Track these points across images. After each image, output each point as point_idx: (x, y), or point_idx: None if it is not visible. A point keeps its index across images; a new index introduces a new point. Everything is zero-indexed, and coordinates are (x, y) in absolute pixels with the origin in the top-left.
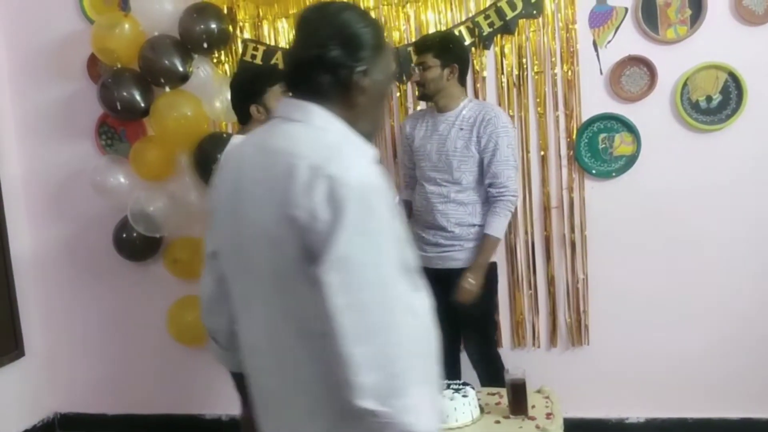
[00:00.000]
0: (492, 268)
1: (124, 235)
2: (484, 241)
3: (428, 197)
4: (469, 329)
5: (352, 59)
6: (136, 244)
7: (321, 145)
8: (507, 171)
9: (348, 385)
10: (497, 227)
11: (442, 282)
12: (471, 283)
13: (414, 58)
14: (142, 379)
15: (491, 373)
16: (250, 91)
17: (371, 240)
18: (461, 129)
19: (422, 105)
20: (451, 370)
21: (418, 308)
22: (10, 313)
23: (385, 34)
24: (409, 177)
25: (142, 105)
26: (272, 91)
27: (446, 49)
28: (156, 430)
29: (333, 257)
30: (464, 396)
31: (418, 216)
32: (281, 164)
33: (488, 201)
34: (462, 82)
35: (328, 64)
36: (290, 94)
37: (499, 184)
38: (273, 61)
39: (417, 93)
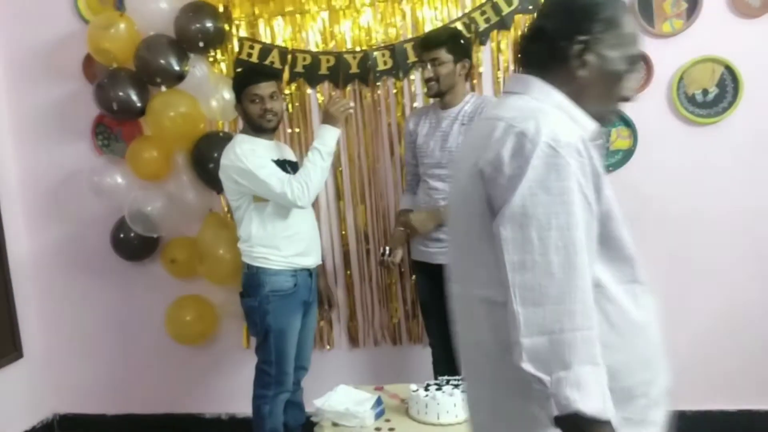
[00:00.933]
0: None
1: (122, 235)
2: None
3: (431, 193)
4: None
5: (574, 31)
6: (134, 244)
7: (525, 109)
8: None
9: (514, 345)
10: None
11: (443, 278)
12: (415, 221)
13: (422, 54)
14: (142, 379)
15: None
16: (233, 89)
17: (553, 199)
18: (462, 124)
19: (418, 102)
20: (453, 367)
21: (631, 301)
22: (8, 315)
23: (628, 17)
24: (412, 175)
25: (139, 105)
26: (246, 93)
27: (458, 44)
28: (156, 430)
29: (510, 211)
30: (463, 391)
31: (422, 211)
32: (485, 127)
33: None
34: (468, 79)
35: (547, 35)
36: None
37: None
38: (269, 60)
39: (427, 90)
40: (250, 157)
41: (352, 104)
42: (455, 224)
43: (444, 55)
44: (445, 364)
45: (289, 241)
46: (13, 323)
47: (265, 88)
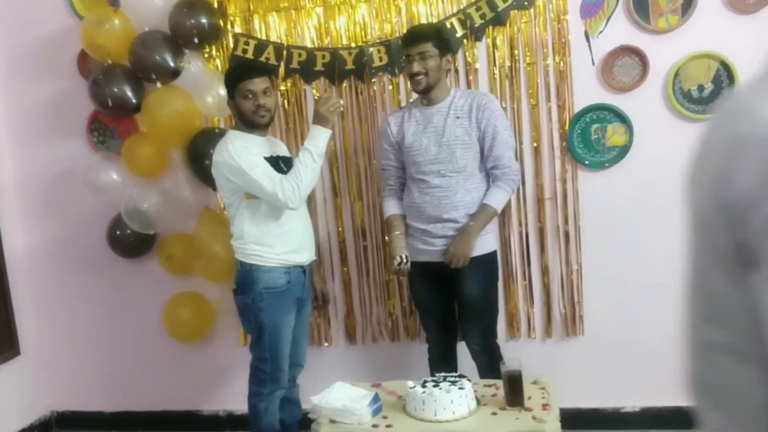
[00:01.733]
0: (492, 259)
1: (118, 232)
2: (480, 209)
3: (432, 192)
4: (472, 321)
5: None
6: (130, 241)
7: None
8: (508, 152)
9: None
10: (496, 199)
11: (446, 274)
12: (457, 247)
13: (408, 48)
14: (139, 376)
15: (492, 364)
16: (226, 85)
17: None
18: (458, 117)
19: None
20: (450, 364)
21: None
22: (5, 312)
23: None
24: (394, 179)
25: (134, 101)
26: (238, 88)
27: (443, 39)
28: (153, 427)
29: None
30: (461, 388)
31: (420, 213)
32: (732, 131)
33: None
34: (447, 74)
35: None
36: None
37: (503, 165)
38: (264, 56)
39: (414, 85)
40: (243, 154)
41: (341, 102)
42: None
43: (431, 48)
44: (441, 361)
45: (282, 239)
46: (10, 321)
47: (258, 83)
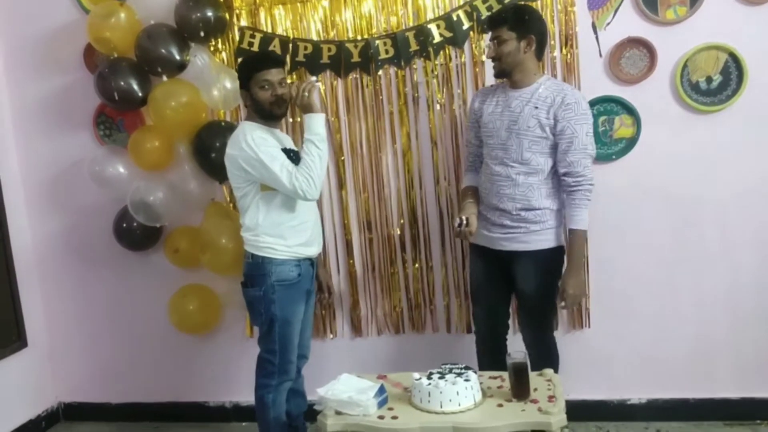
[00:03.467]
0: (554, 252)
1: (125, 225)
2: (572, 238)
3: (493, 179)
4: (529, 313)
5: None
6: (137, 234)
7: None
8: (584, 160)
9: None
10: (581, 219)
11: (504, 263)
12: (571, 286)
13: (487, 32)
14: (146, 368)
15: (545, 356)
16: (239, 77)
17: None
18: (536, 107)
19: (420, 91)
20: (498, 354)
21: None
22: (12, 304)
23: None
24: (474, 156)
25: (140, 94)
26: (255, 79)
27: (522, 21)
28: (160, 418)
29: None
30: (466, 380)
31: (483, 196)
32: None
33: (557, 185)
34: (539, 56)
35: None
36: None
37: (576, 173)
38: (270, 49)
39: (494, 69)
40: (262, 146)
41: (313, 79)
42: None
43: (506, 32)
44: (489, 355)
45: (294, 231)
46: (17, 313)
47: (274, 74)
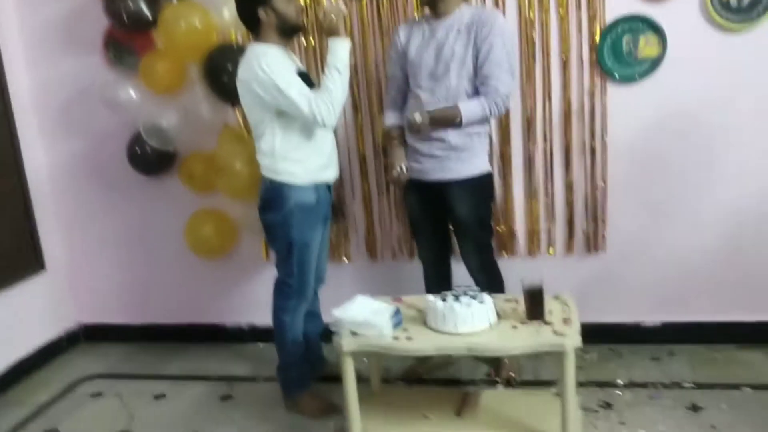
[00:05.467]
0: (485, 178)
1: (138, 150)
2: (449, 106)
3: (421, 107)
4: (466, 238)
5: None
6: (150, 159)
7: None
8: (500, 74)
9: None
10: (469, 107)
11: (438, 192)
12: (415, 116)
13: None
14: (164, 290)
15: (490, 280)
16: None
17: None
18: (459, 32)
19: None
20: (444, 281)
21: None
22: (29, 228)
23: None
24: (396, 90)
25: (150, 16)
26: None
27: None
28: (179, 339)
29: None
30: (481, 302)
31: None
32: None
33: None
34: None
35: None
36: None
37: (490, 85)
38: None
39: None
40: (279, 70)
41: (343, 7)
42: None
43: None
44: (436, 280)
45: (312, 154)
46: (34, 236)
47: None
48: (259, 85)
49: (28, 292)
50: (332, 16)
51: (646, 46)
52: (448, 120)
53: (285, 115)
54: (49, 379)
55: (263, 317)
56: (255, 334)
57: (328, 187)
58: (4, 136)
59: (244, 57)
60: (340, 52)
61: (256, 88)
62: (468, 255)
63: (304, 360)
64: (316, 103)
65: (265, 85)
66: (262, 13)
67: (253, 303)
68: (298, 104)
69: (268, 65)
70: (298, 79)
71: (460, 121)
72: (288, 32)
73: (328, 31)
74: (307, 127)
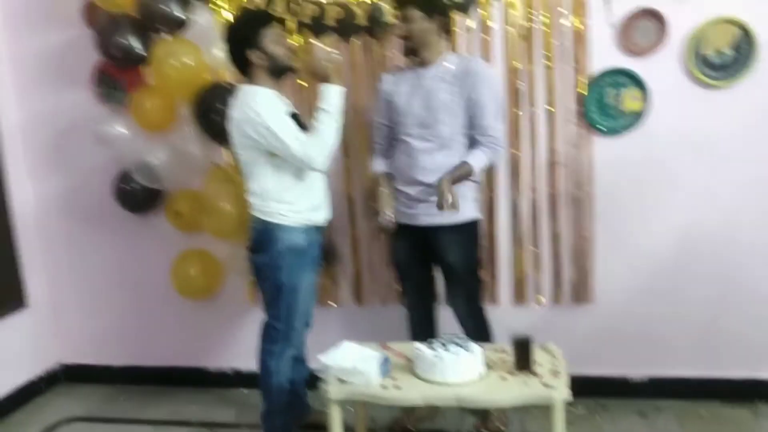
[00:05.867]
0: (474, 225)
1: (125, 187)
2: (459, 164)
3: (412, 153)
4: (455, 286)
5: None
6: (138, 196)
7: None
8: (494, 123)
9: None
10: (477, 159)
11: (426, 238)
12: (443, 185)
13: (396, 11)
14: (147, 332)
15: (478, 328)
16: (243, 37)
17: None
18: (446, 81)
19: None
20: (429, 328)
21: None
22: (12, 264)
23: None
24: (382, 138)
25: (141, 52)
26: (267, 34)
27: (429, 3)
28: (161, 382)
29: None
30: (470, 352)
31: (401, 172)
32: None
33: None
34: (446, 34)
35: None
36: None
37: (486, 134)
38: (274, 9)
39: (402, 48)
40: (271, 112)
41: (335, 52)
42: None
43: (415, 12)
44: (420, 325)
45: (303, 195)
46: (18, 273)
47: (280, 27)
48: (252, 127)
49: (9, 330)
50: (323, 62)
51: (630, 100)
52: (464, 178)
53: (277, 156)
54: (27, 422)
55: (247, 362)
56: (239, 378)
57: (319, 229)
58: None
59: (236, 98)
60: (332, 97)
61: (248, 130)
62: (456, 301)
63: (289, 407)
64: (307, 146)
65: (257, 127)
66: (251, 54)
67: (238, 347)
68: (289, 147)
69: (260, 107)
70: (291, 122)
71: (471, 170)
72: (278, 73)
73: (320, 78)
74: (299, 168)
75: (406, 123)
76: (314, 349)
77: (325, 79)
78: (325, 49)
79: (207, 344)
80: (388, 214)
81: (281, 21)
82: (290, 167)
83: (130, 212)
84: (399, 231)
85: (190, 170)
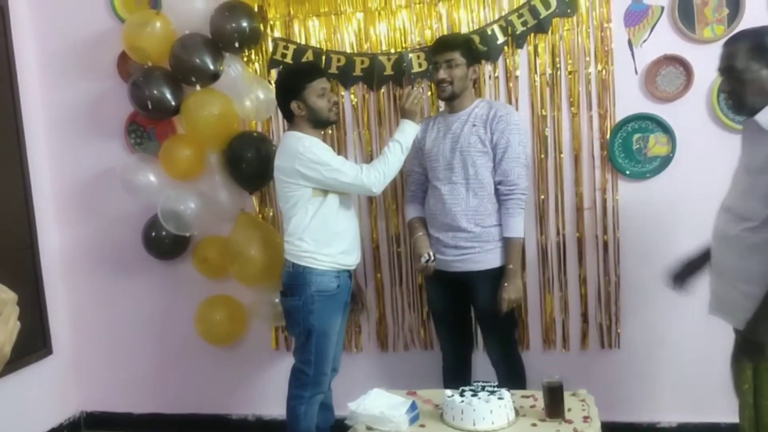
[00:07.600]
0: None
1: (154, 234)
2: (508, 247)
3: (443, 199)
4: (490, 332)
5: None
6: (165, 243)
7: None
8: (517, 168)
9: None
10: (515, 227)
11: (460, 285)
12: (509, 292)
13: (436, 56)
14: (170, 379)
15: (513, 373)
16: (288, 88)
17: None
18: (474, 125)
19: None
20: (463, 374)
21: None
22: (38, 311)
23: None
24: (416, 185)
25: (173, 103)
26: (311, 88)
27: (471, 49)
28: (183, 430)
29: None
30: (500, 398)
31: (434, 219)
32: None
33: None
34: (475, 84)
35: None
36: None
37: (509, 182)
38: (303, 60)
39: (439, 92)
40: (321, 147)
41: (422, 95)
42: None
43: (458, 57)
44: (455, 372)
45: (336, 238)
46: (43, 320)
47: (326, 82)
48: (303, 165)
49: (34, 377)
50: (413, 101)
51: (656, 145)
52: (521, 251)
53: (320, 195)
54: None
55: (270, 409)
56: (260, 425)
57: (350, 274)
58: (22, 217)
59: (281, 144)
60: (408, 133)
61: (299, 169)
62: (491, 346)
63: None
64: (370, 170)
65: (307, 163)
66: (294, 105)
67: (261, 394)
68: (344, 172)
69: (310, 145)
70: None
71: (521, 240)
72: (319, 125)
73: (403, 114)
74: (337, 208)
75: (436, 168)
76: (338, 395)
77: (410, 116)
78: (415, 93)
79: (230, 391)
80: (429, 253)
81: (327, 74)
82: (329, 208)
83: (157, 259)
84: (434, 277)
85: (218, 217)
